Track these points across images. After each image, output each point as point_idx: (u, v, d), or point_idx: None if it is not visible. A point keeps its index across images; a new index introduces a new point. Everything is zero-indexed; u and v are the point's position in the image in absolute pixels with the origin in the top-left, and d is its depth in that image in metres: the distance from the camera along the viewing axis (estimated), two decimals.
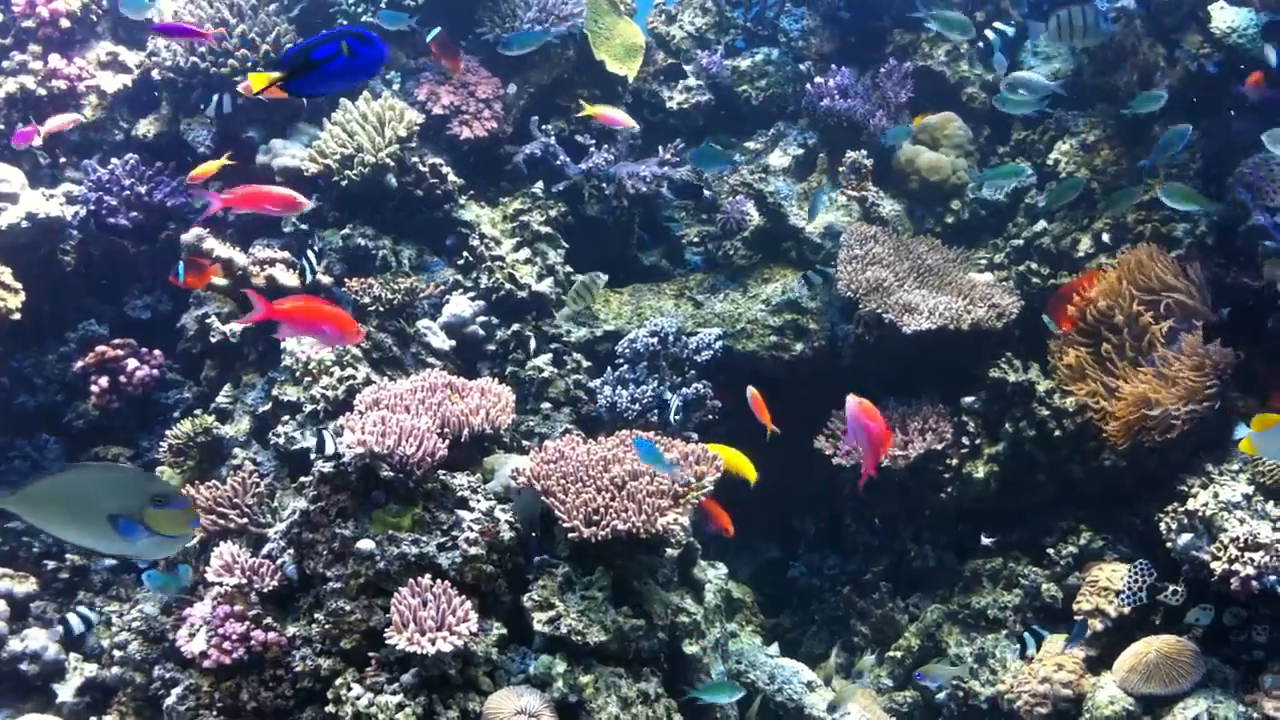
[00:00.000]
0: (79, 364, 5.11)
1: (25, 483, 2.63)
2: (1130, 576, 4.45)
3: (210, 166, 4.98)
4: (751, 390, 4.58)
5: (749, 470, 4.45)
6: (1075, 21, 4.79)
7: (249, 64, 5.37)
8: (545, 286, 5.16)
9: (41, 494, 2.61)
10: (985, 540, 4.97)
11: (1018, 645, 4.64)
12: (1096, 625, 4.53)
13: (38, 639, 4.45)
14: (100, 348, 5.10)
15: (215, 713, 3.69)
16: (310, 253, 4.77)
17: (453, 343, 4.98)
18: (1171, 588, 4.39)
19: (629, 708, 3.73)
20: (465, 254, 5.20)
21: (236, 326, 4.98)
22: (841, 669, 4.97)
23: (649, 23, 6.37)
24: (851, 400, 3.77)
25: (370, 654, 3.65)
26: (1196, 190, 4.84)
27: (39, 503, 2.61)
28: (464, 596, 3.63)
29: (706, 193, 5.79)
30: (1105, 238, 5.17)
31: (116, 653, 4.23)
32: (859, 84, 5.88)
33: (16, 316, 4.91)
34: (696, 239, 5.80)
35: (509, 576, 3.89)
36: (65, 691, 4.37)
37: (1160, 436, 4.49)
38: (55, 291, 5.31)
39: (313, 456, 3.99)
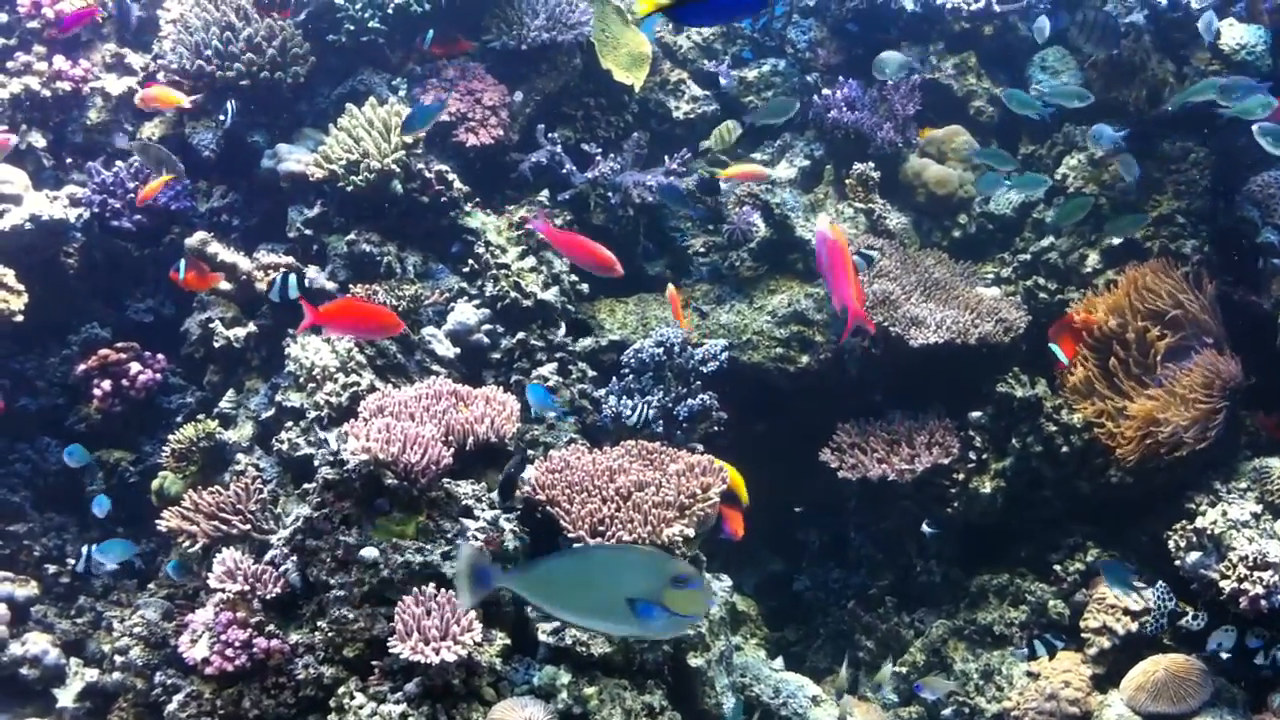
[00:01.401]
0: (81, 367, 5.09)
1: (530, 565, 2.60)
2: (1155, 600, 4.42)
3: (155, 185, 5.05)
4: (670, 289, 4.75)
5: (741, 490, 4.42)
6: (1096, 28, 4.79)
7: (254, 68, 5.35)
8: (551, 295, 5.14)
9: (548, 575, 2.61)
10: (926, 528, 4.94)
11: (1025, 650, 4.61)
12: (1104, 643, 4.51)
13: (38, 643, 4.42)
14: (103, 351, 5.08)
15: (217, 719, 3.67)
16: (293, 275, 4.74)
17: (457, 350, 4.95)
18: (1192, 612, 4.36)
19: None
20: (470, 261, 5.17)
21: (241, 331, 4.96)
22: (849, 684, 4.94)
23: (656, 32, 6.35)
24: (822, 233, 3.72)
25: (373, 663, 3.62)
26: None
27: (544, 584, 2.60)
28: None
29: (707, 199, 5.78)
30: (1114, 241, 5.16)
31: (118, 658, 4.20)
32: (866, 96, 5.86)
33: (19, 319, 4.89)
34: (702, 249, 5.78)
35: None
36: (65, 696, 4.35)
37: (1169, 455, 4.47)
38: (58, 294, 5.29)
39: (317, 459, 3.98)
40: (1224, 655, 4.22)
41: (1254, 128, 4.61)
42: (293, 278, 4.70)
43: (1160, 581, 4.45)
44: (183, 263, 4.80)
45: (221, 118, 5.18)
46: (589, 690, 3.67)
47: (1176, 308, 4.72)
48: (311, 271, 5.02)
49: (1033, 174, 5.36)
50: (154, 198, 5.32)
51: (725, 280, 5.61)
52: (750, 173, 5.48)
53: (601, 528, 3.80)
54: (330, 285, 4.98)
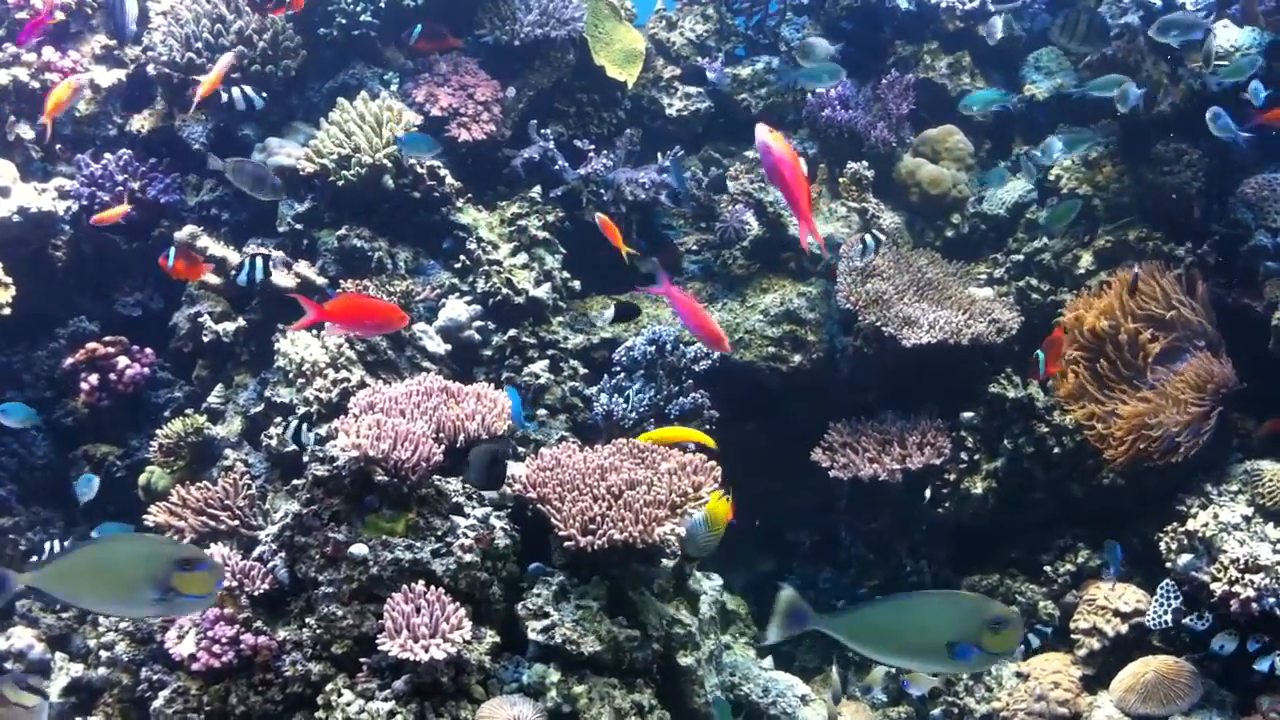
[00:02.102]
0: (69, 361, 5.05)
1: (848, 610, 2.82)
2: (1158, 599, 4.41)
3: (114, 213, 5.01)
4: (600, 216, 4.77)
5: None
6: (1080, 26, 4.79)
7: (245, 61, 5.32)
8: (543, 292, 5.12)
9: (867, 621, 2.72)
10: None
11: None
12: (1094, 644, 4.50)
13: (23, 638, 4.39)
14: (91, 345, 5.04)
15: (203, 716, 3.63)
16: (260, 260, 4.71)
17: (448, 347, 4.93)
18: (1196, 613, 4.35)
19: (623, 719, 3.68)
20: (462, 257, 5.15)
21: (230, 326, 4.93)
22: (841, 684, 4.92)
23: (649, 28, 6.33)
24: (764, 142, 3.71)
25: (362, 660, 3.60)
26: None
27: (863, 629, 2.72)
28: (458, 603, 3.58)
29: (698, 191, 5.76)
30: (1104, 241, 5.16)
31: (103, 653, 4.16)
32: (860, 95, 5.86)
33: (6, 312, 4.86)
34: (695, 247, 5.76)
35: (503, 584, 3.84)
36: (51, 691, 4.31)
37: (1162, 458, 4.46)
38: (45, 287, 5.25)
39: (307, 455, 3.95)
40: (1224, 652, 4.23)
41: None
42: (259, 261, 4.67)
43: (1167, 580, 4.44)
44: (172, 250, 4.76)
45: (226, 98, 5.09)
46: (578, 689, 3.65)
47: (1168, 310, 4.72)
48: (302, 266, 4.99)
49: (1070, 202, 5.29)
50: (144, 192, 5.30)
51: (717, 278, 5.59)
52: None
53: (592, 526, 3.78)
54: (321, 280, 4.95)
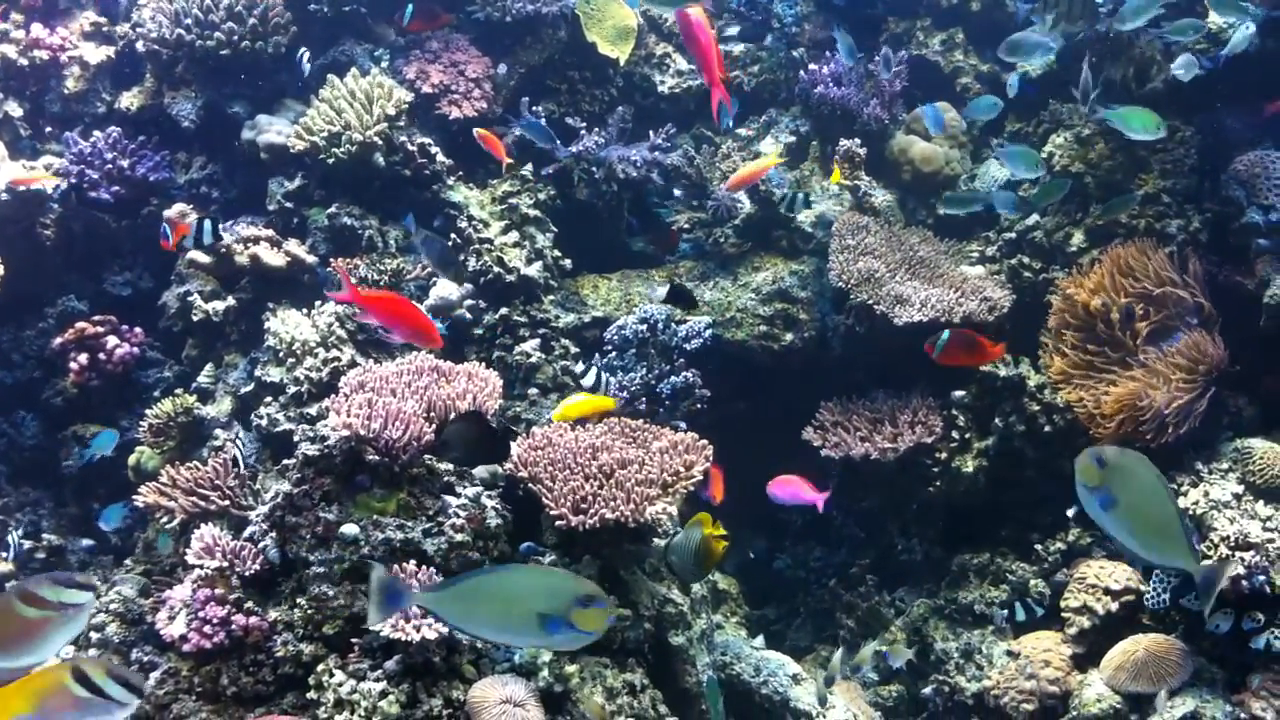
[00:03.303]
0: (58, 341, 5.03)
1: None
2: (1156, 578, 4.42)
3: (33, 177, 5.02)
4: (480, 131, 4.88)
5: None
6: (1063, 7, 4.77)
7: (235, 37, 5.28)
8: (534, 270, 5.10)
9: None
10: None
11: (1006, 613, 4.63)
12: (1084, 622, 4.51)
13: None
14: (80, 324, 5.02)
15: (194, 697, 3.63)
16: (208, 222, 4.70)
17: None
18: (1193, 593, 4.35)
19: (615, 698, 3.69)
20: (453, 236, 5.13)
21: (220, 305, 4.91)
22: (825, 663, 4.94)
23: (641, 5, 6.29)
24: (682, 11, 3.75)
25: (353, 640, 3.59)
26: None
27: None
28: None
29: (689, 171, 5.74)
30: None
31: (93, 634, 4.15)
32: (853, 72, 5.83)
33: None
34: (687, 225, 5.75)
35: (495, 564, 3.84)
36: None
37: (1153, 438, 4.46)
38: (34, 266, 5.23)
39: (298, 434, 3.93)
40: (1220, 631, 4.23)
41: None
42: (207, 224, 4.65)
43: None
44: (166, 227, 4.73)
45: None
46: (570, 668, 3.65)
47: (1159, 287, 4.71)
48: (292, 244, 4.97)
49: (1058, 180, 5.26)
50: (133, 169, 5.28)
51: (709, 257, 5.58)
52: (754, 173, 5.30)
53: (584, 505, 3.78)
54: (310, 259, 4.93)
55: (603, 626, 2.69)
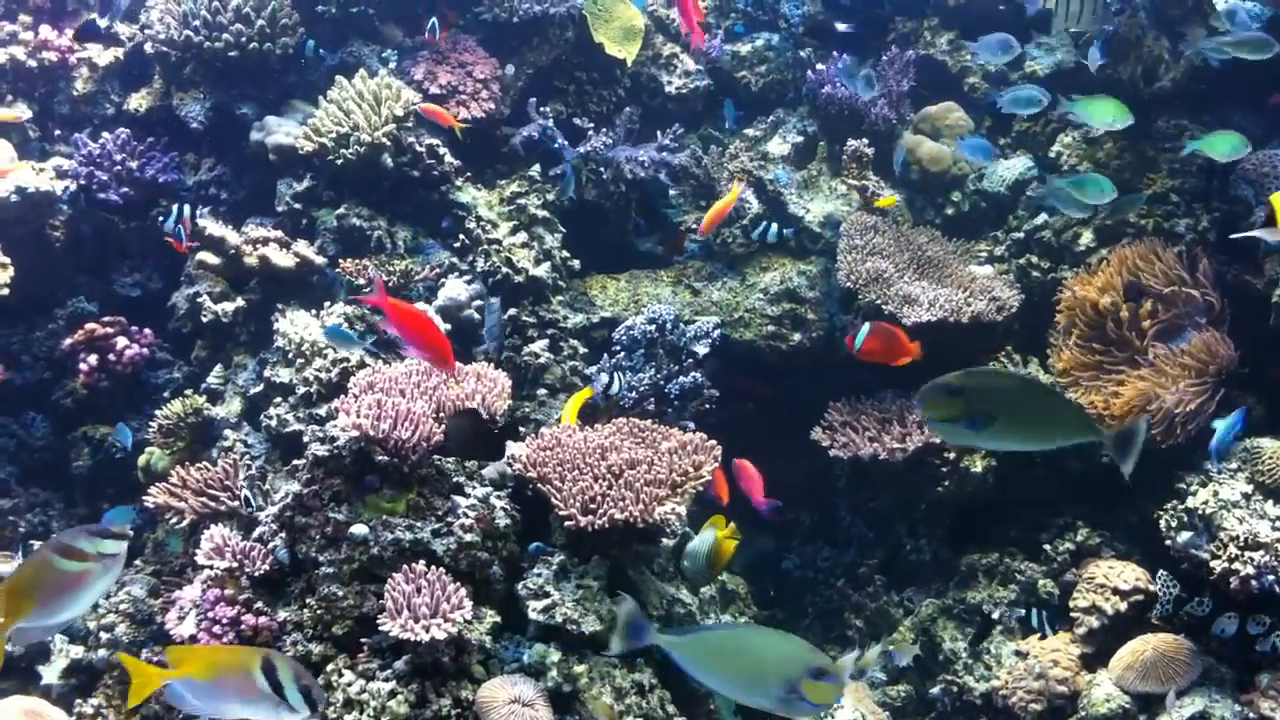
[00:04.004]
0: (67, 341, 5.04)
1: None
2: (1161, 588, 4.42)
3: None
4: (424, 105, 4.90)
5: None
6: (1074, 8, 4.76)
7: (243, 39, 5.29)
8: (542, 271, 5.10)
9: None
10: None
11: (1021, 612, 4.61)
12: (1093, 622, 4.51)
13: None
14: (89, 325, 5.03)
15: None
16: (182, 205, 4.75)
17: (448, 326, 4.90)
18: (1198, 598, 4.35)
19: (623, 698, 3.70)
20: (462, 236, 5.13)
21: (229, 306, 4.91)
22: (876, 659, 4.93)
23: (648, 5, 6.29)
24: None
25: (362, 640, 3.61)
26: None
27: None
28: (458, 583, 3.59)
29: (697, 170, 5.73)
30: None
31: (103, 635, 4.17)
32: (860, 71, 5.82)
33: (4, 292, 4.85)
34: (694, 225, 5.75)
35: (504, 564, 3.85)
36: (50, 673, 4.31)
37: (1164, 439, 4.45)
38: (44, 267, 5.24)
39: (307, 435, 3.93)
40: (1225, 635, 4.23)
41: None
42: (181, 209, 4.73)
43: (1163, 571, 4.45)
44: (178, 228, 4.74)
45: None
46: (579, 668, 3.66)
47: (1168, 285, 4.70)
48: (301, 245, 4.97)
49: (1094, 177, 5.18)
50: (142, 171, 5.29)
51: (717, 257, 5.58)
52: (722, 210, 5.23)
53: (593, 505, 3.78)
54: (320, 260, 4.94)
55: (833, 701, 2.75)
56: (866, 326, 4.59)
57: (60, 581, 2.77)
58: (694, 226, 5.70)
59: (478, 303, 4.96)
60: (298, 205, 5.15)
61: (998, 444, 2.75)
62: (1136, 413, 4.51)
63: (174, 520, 4.29)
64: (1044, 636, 4.52)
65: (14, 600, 2.77)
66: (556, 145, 5.43)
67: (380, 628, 3.49)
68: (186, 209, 4.75)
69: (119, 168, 5.26)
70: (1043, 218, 5.37)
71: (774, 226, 5.28)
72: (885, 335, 4.66)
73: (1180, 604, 4.37)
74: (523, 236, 5.19)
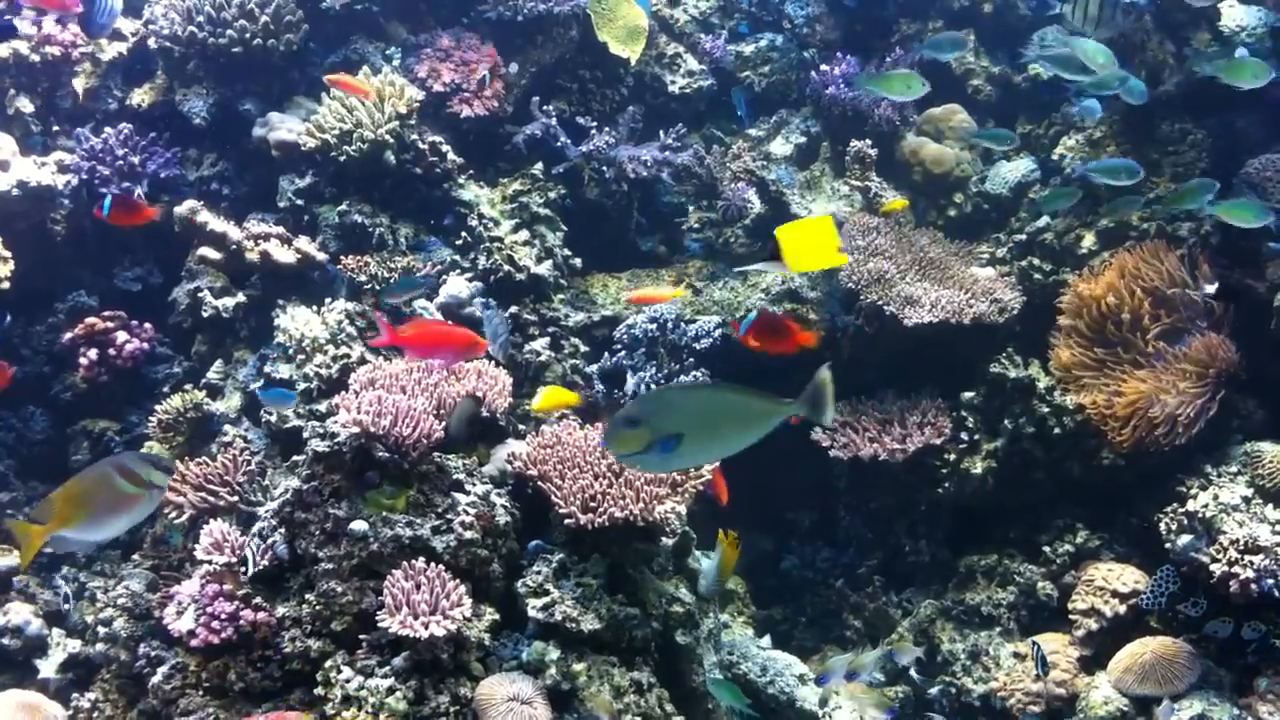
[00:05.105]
0: (67, 335, 5.04)
1: None
2: (1155, 581, 4.41)
3: None
4: (330, 76, 4.87)
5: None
6: (1092, 10, 4.74)
7: (247, 35, 5.29)
8: (544, 269, 5.10)
9: None
10: None
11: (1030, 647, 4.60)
12: (1092, 625, 4.50)
13: (20, 613, 4.39)
14: (90, 319, 5.03)
15: (201, 692, 3.64)
16: (116, 191, 4.72)
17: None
18: (1192, 599, 4.35)
19: (621, 696, 3.69)
20: (464, 234, 5.13)
21: (230, 301, 4.91)
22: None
23: (652, 5, 6.29)
24: None
25: (361, 636, 3.60)
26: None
27: None
28: (458, 580, 3.58)
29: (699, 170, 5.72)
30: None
31: (101, 629, 4.16)
32: (864, 73, 5.82)
33: (5, 285, 4.85)
34: (697, 225, 5.75)
35: (503, 561, 3.84)
36: (47, 667, 4.31)
37: (1166, 441, 4.44)
38: (45, 261, 5.24)
39: (307, 431, 3.93)
40: (1219, 636, 4.23)
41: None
42: (111, 193, 4.71)
43: (1167, 565, 4.44)
44: (107, 201, 4.68)
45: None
46: (577, 666, 3.66)
47: (1171, 288, 4.70)
48: (302, 241, 4.97)
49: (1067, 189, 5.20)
50: (144, 166, 5.28)
51: (719, 256, 5.58)
52: (653, 299, 5.07)
53: (593, 504, 3.78)
54: (321, 255, 4.93)
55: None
56: (753, 314, 4.45)
57: (113, 500, 2.82)
58: (696, 225, 5.70)
59: (479, 300, 4.95)
60: (300, 201, 5.15)
61: (699, 457, 2.70)
62: (1139, 415, 4.50)
63: (173, 515, 4.28)
64: (1041, 675, 4.49)
65: (68, 506, 2.81)
66: (559, 144, 5.43)
67: (379, 624, 3.49)
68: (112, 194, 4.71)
69: (121, 163, 5.25)
70: (1045, 220, 5.37)
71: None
72: (772, 323, 4.51)
73: (1174, 601, 4.37)
74: (524, 234, 5.19)
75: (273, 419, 4.51)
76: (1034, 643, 4.44)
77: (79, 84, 5.52)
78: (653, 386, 4.75)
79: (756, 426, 2.65)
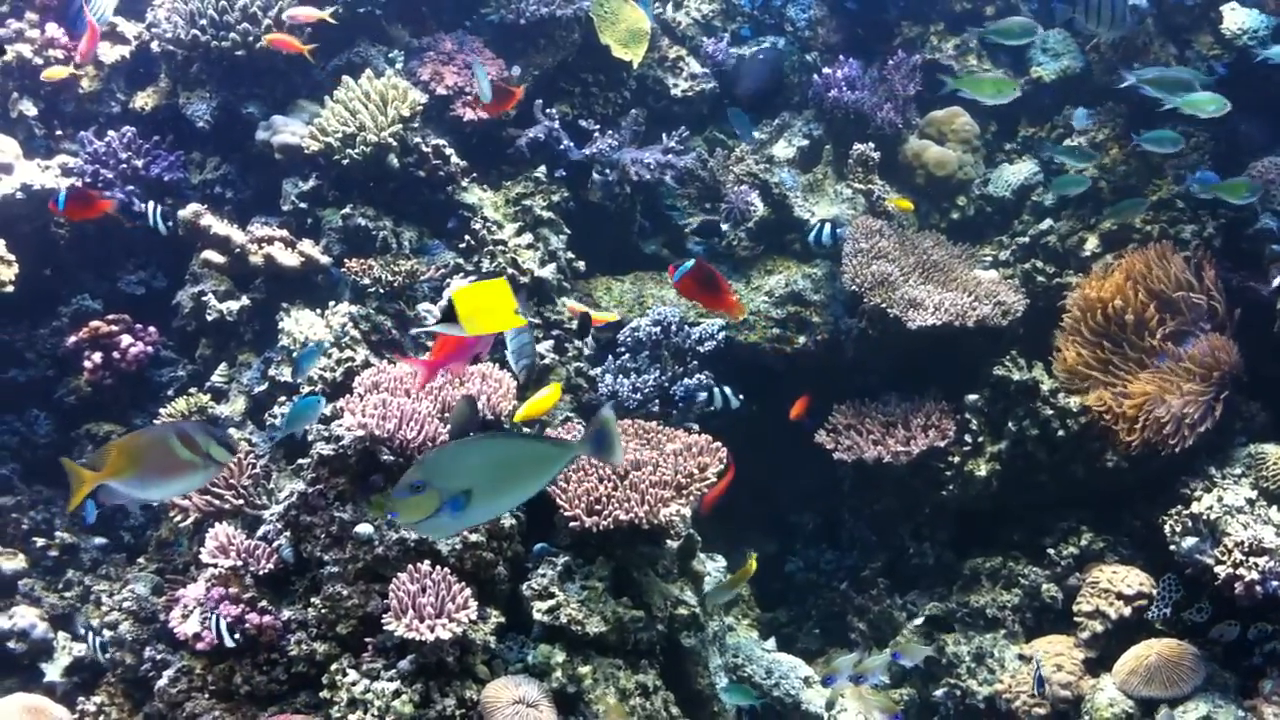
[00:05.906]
0: (71, 339, 5.03)
1: None
2: (1160, 592, 4.42)
3: None
4: (269, 37, 4.94)
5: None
6: (1104, 10, 4.75)
7: (249, 38, 5.29)
8: (548, 272, 5.10)
9: None
10: None
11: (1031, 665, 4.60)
12: (1096, 627, 4.50)
13: (26, 617, 4.39)
14: (94, 323, 5.02)
15: (207, 696, 3.65)
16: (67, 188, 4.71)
17: None
18: (1197, 605, 4.35)
19: (627, 699, 3.69)
20: (467, 237, 5.13)
21: (234, 305, 4.91)
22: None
23: (654, 8, 6.29)
24: None
25: (367, 640, 3.60)
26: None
27: None
28: (463, 583, 3.58)
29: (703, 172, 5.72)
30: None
31: (107, 633, 4.17)
32: (866, 76, 5.82)
33: (9, 289, 4.83)
34: (699, 228, 5.75)
35: (508, 564, 3.84)
36: (53, 671, 4.32)
37: (1174, 443, 4.44)
38: (48, 265, 5.24)
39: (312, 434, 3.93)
40: (1224, 640, 4.24)
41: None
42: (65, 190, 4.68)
43: (1170, 574, 4.44)
44: (62, 195, 4.66)
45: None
46: (583, 669, 3.66)
47: (1176, 290, 4.71)
48: (306, 244, 4.97)
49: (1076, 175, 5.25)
50: (147, 169, 5.29)
51: (722, 260, 5.59)
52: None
53: (598, 506, 3.78)
54: (325, 259, 4.93)
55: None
56: (690, 263, 4.41)
57: (166, 462, 2.83)
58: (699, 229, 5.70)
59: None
60: (303, 205, 5.15)
61: (491, 511, 2.66)
62: (1145, 416, 4.51)
63: (178, 518, 4.28)
64: (1039, 692, 4.49)
65: (120, 458, 2.82)
66: (562, 147, 5.43)
67: (385, 627, 3.49)
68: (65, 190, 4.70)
69: (124, 166, 5.26)
70: (1048, 222, 5.38)
71: (827, 228, 5.25)
72: (706, 276, 4.46)
73: (1179, 609, 4.37)
74: (528, 237, 5.19)
75: (277, 423, 4.50)
76: (1035, 660, 4.44)
77: (82, 87, 5.52)
78: (629, 390, 4.74)
79: (544, 472, 2.61)
